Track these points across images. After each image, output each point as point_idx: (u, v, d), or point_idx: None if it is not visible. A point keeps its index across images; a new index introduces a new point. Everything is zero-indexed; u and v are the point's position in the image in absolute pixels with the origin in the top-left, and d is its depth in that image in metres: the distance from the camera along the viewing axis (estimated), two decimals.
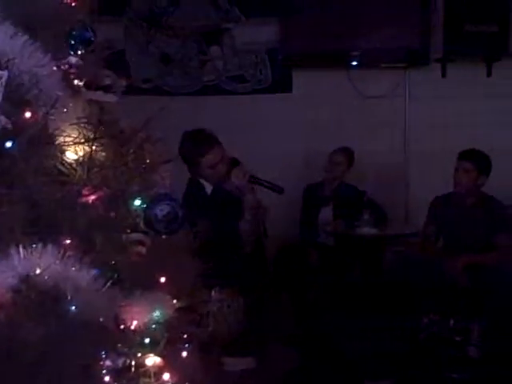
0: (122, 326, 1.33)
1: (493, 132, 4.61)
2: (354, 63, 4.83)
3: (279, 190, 3.27)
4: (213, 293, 2.72)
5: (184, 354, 1.54)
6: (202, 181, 3.26)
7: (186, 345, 1.57)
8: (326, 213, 4.44)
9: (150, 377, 1.38)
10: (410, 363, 3.26)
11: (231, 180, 3.20)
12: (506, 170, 4.19)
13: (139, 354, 1.39)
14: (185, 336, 1.58)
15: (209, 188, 3.25)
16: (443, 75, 4.85)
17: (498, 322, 3.38)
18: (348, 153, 4.53)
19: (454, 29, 4.65)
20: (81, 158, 1.36)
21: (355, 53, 4.81)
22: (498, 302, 3.39)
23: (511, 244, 3.63)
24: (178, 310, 1.55)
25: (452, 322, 3.47)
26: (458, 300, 3.51)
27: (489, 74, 4.80)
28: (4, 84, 1.23)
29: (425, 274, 3.58)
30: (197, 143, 3.17)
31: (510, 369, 3.17)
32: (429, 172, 4.72)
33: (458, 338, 3.41)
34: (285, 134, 4.80)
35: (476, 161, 3.65)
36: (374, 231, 4.08)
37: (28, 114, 1.29)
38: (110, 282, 1.27)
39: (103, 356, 1.28)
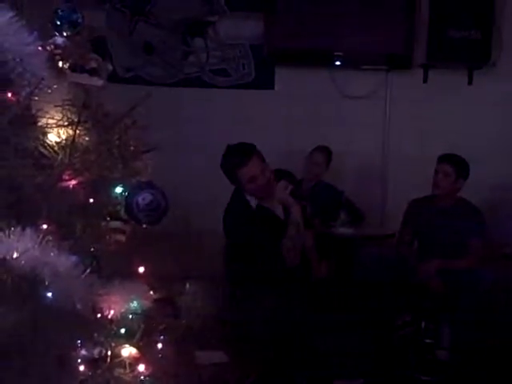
0: (98, 315, 1.30)
1: (470, 139, 4.65)
2: (338, 63, 4.83)
3: None
4: (187, 285, 2.70)
5: (159, 345, 1.52)
6: (247, 195, 3.12)
7: (162, 337, 1.55)
8: None
9: (125, 367, 1.35)
10: (381, 364, 3.27)
11: (276, 194, 3.09)
12: (481, 176, 4.22)
13: (115, 344, 1.36)
14: (161, 328, 1.55)
15: (254, 202, 3.12)
16: (425, 80, 4.89)
17: (468, 326, 3.40)
18: (327, 152, 4.53)
19: (437, 34, 4.68)
20: (63, 142, 1.32)
21: (339, 53, 4.81)
22: (468, 306, 3.42)
23: (484, 249, 3.67)
24: (155, 301, 1.53)
25: (423, 324, 3.49)
26: (430, 303, 3.53)
27: (470, 82, 4.84)
28: None
29: (398, 276, 3.60)
30: (233, 155, 3.06)
31: (478, 372, 3.20)
32: (406, 174, 4.74)
33: (428, 341, 3.43)
34: (264, 130, 4.78)
35: (456, 164, 3.67)
36: (350, 231, 4.08)
37: (10, 94, 1.26)
38: (89, 269, 1.24)
39: (78, 345, 1.25)
